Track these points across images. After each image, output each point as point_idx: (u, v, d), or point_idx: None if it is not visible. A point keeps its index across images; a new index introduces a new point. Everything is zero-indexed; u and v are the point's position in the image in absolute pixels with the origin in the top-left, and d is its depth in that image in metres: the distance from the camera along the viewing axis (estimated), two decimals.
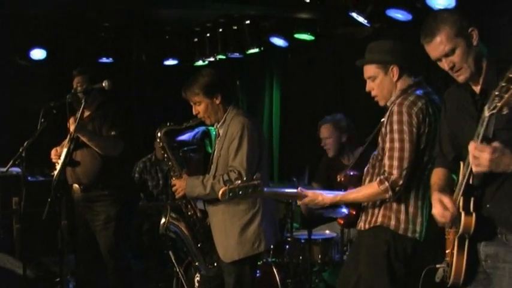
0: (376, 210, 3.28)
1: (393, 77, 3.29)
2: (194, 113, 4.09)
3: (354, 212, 3.40)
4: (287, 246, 5.32)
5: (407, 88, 3.29)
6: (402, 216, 3.20)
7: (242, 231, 3.93)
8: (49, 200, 4.19)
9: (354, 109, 5.70)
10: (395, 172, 3.14)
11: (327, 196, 3.33)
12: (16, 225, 5.68)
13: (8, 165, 4.48)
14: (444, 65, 2.71)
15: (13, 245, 5.69)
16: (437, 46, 2.68)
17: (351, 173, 3.49)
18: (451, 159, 2.92)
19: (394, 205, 3.22)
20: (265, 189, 3.36)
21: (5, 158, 4.57)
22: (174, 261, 5.29)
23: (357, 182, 3.40)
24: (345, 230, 4.85)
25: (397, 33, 5.76)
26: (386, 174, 3.17)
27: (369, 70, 3.35)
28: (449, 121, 2.91)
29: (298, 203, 3.41)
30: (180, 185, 4.11)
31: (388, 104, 3.32)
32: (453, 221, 2.68)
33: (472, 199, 2.63)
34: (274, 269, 5.00)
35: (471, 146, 2.44)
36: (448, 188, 2.82)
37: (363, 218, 3.35)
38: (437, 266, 2.86)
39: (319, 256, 5.21)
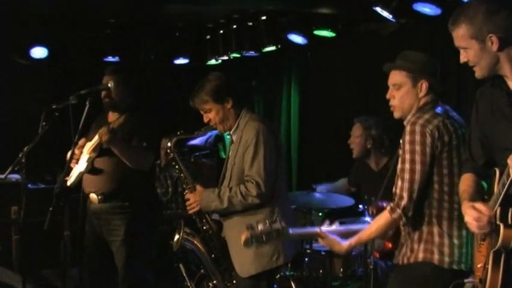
0: (416, 245, 3.27)
1: (420, 92, 3.31)
2: (205, 120, 4.10)
3: (390, 245, 3.42)
4: (306, 259, 5.30)
5: (424, 105, 3.30)
6: (446, 249, 3.19)
7: None
8: (50, 209, 4.17)
9: (379, 111, 5.67)
10: (405, 195, 3.17)
11: (343, 245, 3.34)
12: (15, 236, 5.69)
13: (7, 172, 4.47)
14: (461, 56, 2.83)
15: (12, 258, 5.72)
16: (454, 37, 2.82)
17: (383, 204, 3.50)
18: (481, 164, 2.92)
19: (437, 238, 3.22)
20: (290, 231, 3.34)
21: (3, 164, 4.58)
22: (184, 274, 5.31)
23: None
24: (368, 241, 4.82)
25: (425, 29, 5.75)
26: (396, 200, 3.19)
27: (397, 77, 3.36)
28: (481, 123, 2.90)
29: (320, 242, 3.44)
30: (195, 199, 4.10)
31: (404, 122, 3.34)
32: (488, 232, 2.66)
33: (511, 210, 2.61)
34: (293, 283, 5.02)
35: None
36: (479, 195, 2.81)
37: (402, 251, 3.34)
38: (465, 280, 2.85)
39: (341, 269, 5.17)
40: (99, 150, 4.62)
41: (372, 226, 3.32)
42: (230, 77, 4.21)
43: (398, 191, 3.20)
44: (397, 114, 3.39)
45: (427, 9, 5.35)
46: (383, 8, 5.52)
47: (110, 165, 4.66)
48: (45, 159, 4.85)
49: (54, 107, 4.44)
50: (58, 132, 4.51)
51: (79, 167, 4.62)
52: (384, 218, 3.25)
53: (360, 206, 4.94)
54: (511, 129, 2.65)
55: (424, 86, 3.30)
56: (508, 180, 2.54)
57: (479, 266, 2.78)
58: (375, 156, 5.47)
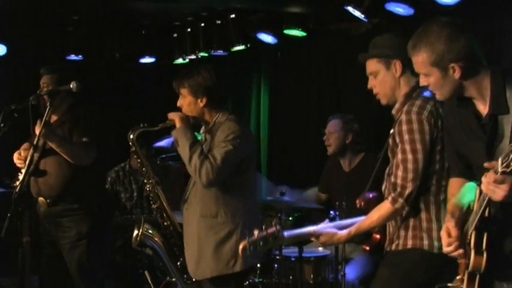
0: (404, 232, 3.31)
1: (396, 72, 3.36)
2: (178, 104, 4.10)
3: (378, 236, 3.44)
4: (275, 265, 5.27)
5: (411, 92, 3.33)
6: (435, 234, 3.22)
7: (217, 247, 3.91)
8: (9, 215, 4.10)
9: (350, 112, 5.70)
10: (409, 185, 3.20)
11: (341, 234, 3.36)
12: None
13: None
14: (421, 80, 2.83)
15: None
16: (414, 63, 2.80)
17: (370, 195, 3.52)
18: (463, 168, 2.93)
19: (425, 224, 3.27)
20: (285, 233, 3.37)
21: None
22: (150, 281, 5.27)
23: (378, 204, 3.39)
24: (339, 247, 4.84)
25: (398, 29, 5.76)
26: (399, 189, 3.21)
27: (371, 65, 3.43)
28: (452, 139, 2.92)
29: (316, 241, 3.49)
30: (179, 115, 4.03)
31: (393, 112, 3.38)
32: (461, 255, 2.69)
33: (486, 235, 2.60)
34: None
35: (487, 179, 2.43)
36: (462, 203, 2.82)
37: (392, 241, 3.38)
38: (449, 285, 2.87)
39: (311, 276, 5.16)
40: (42, 151, 4.54)
41: (372, 215, 3.31)
42: (221, 78, 4.17)
43: (400, 181, 3.21)
44: (383, 101, 3.42)
45: (400, 9, 5.39)
46: (355, 7, 5.54)
47: (55, 166, 4.61)
48: (4, 161, 4.76)
49: (13, 107, 4.37)
50: (17, 133, 4.44)
51: (24, 170, 4.56)
52: (385, 208, 3.26)
53: (332, 212, 4.94)
54: (484, 149, 2.65)
55: (397, 65, 3.34)
56: (480, 208, 2.56)
57: (458, 277, 2.80)
58: (349, 155, 5.48)
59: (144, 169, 4.28)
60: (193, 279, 4.16)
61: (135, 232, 4.42)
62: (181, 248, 4.21)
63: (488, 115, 2.67)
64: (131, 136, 4.26)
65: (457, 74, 2.69)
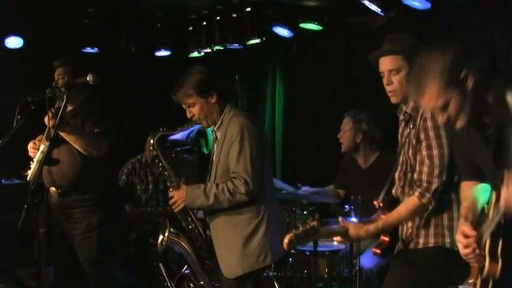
0: (425, 231, 3.34)
1: None
2: (188, 116, 4.08)
3: (387, 239, 3.45)
4: (290, 259, 5.30)
5: None
6: (455, 232, 3.22)
7: (245, 243, 3.92)
8: (25, 206, 4.11)
9: (366, 107, 5.69)
10: (436, 180, 3.24)
11: (369, 226, 3.36)
12: None
13: None
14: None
15: None
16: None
17: (389, 197, 3.54)
18: (474, 171, 2.96)
19: (446, 222, 3.31)
20: (321, 229, 3.40)
21: None
22: (164, 274, 5.29)
23: (397, 204, 3.42)
24: None
25: (414, 23, 5.75)
26: (425, 185, 3.25)
27: (394, 62, 3.39)
28: (460, 144, 2.97)
29: (343, 239, 3.48)
30: (180, 196, 4.08)
31: (408, 110, 3.38)
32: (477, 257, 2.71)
33: (501, 241, 2.62)
34: (276, 284, 4.99)
35: (507, 194, 2.45)
36: (475, 206, 2.84)
37: (410, 239, 3.40)
38: (460, 287, 2.88)
39: (326, 270, 5.19)
40: (55, 141, 4.57)
41: (400, 209, 3.33)
42: (213, 72, 4.17)
43: (426, 177, 3.25)
44: (396, 99, 3.42)
45: (417, 3, 5.36)
46: (371, 1, 5.53)
47: (67, 156, 4.65)
48: (20, 153, 4.79)
49: (29, 99, 4.40)
50: (34, 125, 4.47)
51: (36, 159, 4.59)
52: (412, 203, 3.28)
53: (346, 206, 4.94)
54: (491, 160, 2.69)
55: None
56: (497, 215, 2.58)
57: (470, 281, 2.83)
58: (364, 152, 5.49)
59: (166, 173, 4.28)
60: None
61: (160, 237, 4.42)
62: (208, 251, 4.23)
63: (492, 127, 2.69)
64: (151, 141, 4.27)
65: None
